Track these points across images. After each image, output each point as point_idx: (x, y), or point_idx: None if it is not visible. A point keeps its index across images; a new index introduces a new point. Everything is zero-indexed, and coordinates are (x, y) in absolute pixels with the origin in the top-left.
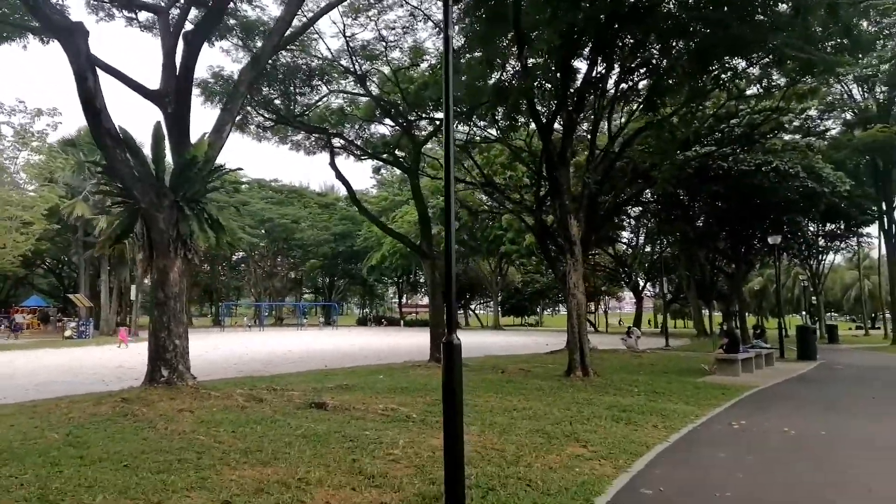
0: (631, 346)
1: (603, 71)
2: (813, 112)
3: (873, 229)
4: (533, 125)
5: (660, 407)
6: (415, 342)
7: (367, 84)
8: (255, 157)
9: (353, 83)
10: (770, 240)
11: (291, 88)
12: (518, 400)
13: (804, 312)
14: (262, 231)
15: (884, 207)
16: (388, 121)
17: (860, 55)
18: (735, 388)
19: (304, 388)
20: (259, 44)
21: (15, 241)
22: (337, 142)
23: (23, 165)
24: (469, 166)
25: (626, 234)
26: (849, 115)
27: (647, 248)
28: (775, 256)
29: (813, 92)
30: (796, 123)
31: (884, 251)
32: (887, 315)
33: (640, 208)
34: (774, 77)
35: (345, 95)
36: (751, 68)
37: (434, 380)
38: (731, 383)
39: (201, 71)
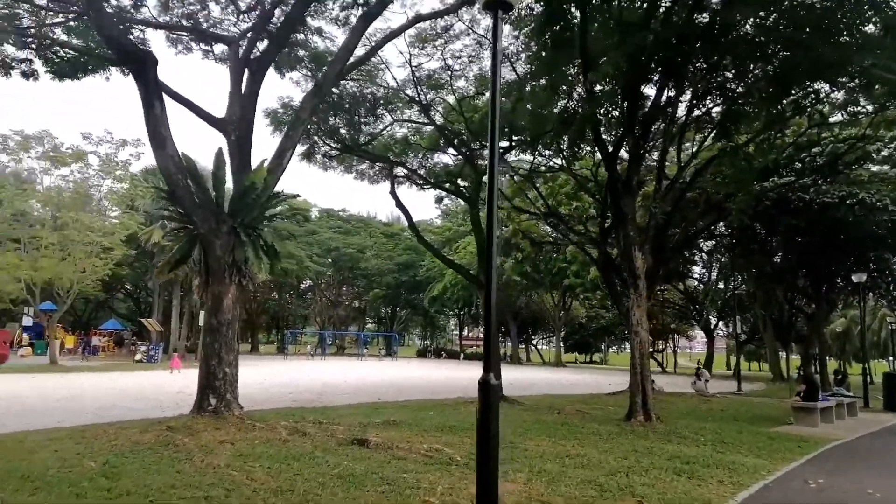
0: (700, 389)
1: (672, 95)
2: None
3: None
4: (599, 154)
5: (728, 459)
6: (472, 376)
7: (432, 113)
8: (324, 188)
9: (417, 112)
10: (854, 278)
11: (357, 117)
12: (571, 445)
13: (891, 358)
14: (329, 260)
15: None
16: (451, 150)
17: None
18: (813, 441)
19: (350, 423)
20: None
21: (94, 265)
22: (400, 171)
23: (106, 193)
24: (533, 197)
25: (697, 270)
26: None
27: (720, 285)
28: (860, 296)
29: None
30: (885, 153)
31: None
32: None
33: (713, 242)
34: (861, 102)
35: (409, 125)
36: (835, 93)
37: None
38: (810, 435)
39: (271, 101)
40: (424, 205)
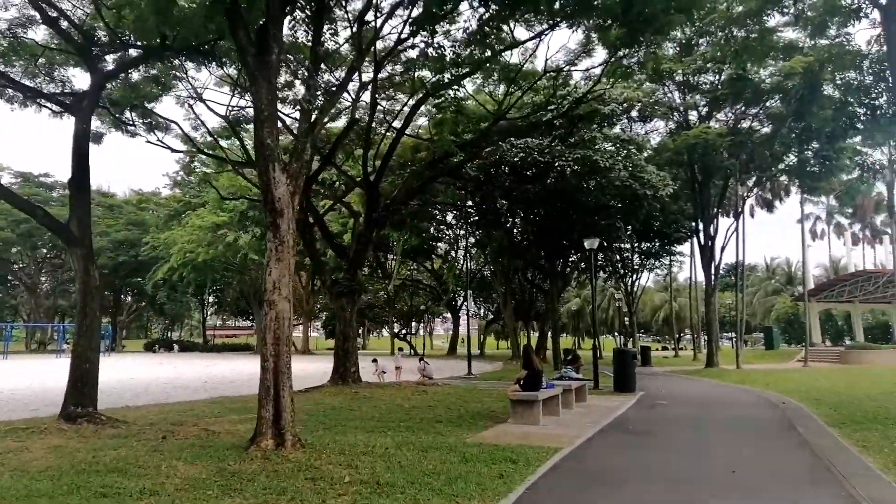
0: (428, 374)
1: None
2: (634, 113)
3: (685, 248)
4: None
5: None
6: (169, 376)
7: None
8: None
9: None
10: (587, 243)
11: None
12: None
13: (616, 333)
14: (16, 235)
15: (700, 226)
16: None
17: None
18: (526, 457)
19: None
20: None
21: None
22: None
23: None
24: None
25: (443, 246)
26: (672, 124)
27: (470, 264)
28: (592, 266)
29: (642, 66)
30: (617, 130)
31: (697, 271)
32: (687, 336)
33: (461, 220)
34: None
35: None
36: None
37: None
38: (524, 441)
39: None
40: (152, 176)
